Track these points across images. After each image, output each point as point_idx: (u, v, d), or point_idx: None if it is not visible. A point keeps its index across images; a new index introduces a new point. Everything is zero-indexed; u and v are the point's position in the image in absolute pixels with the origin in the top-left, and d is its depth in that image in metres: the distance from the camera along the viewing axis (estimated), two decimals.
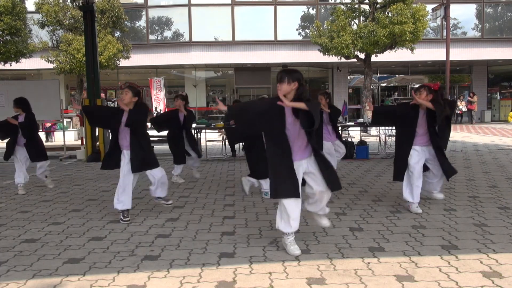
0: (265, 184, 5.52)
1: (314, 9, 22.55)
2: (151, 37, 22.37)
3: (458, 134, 16.19)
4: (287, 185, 3.44)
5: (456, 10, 20.97)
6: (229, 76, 24.74)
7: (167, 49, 21.79)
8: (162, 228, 4.38)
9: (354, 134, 11.25)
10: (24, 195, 6.22)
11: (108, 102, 23.39)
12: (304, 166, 3.57)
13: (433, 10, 17.03)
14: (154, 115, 19.42)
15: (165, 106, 19.77)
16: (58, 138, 16.37)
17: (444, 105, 4.70)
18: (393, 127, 10.20)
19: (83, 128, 10.60)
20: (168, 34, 22.79)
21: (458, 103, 22.82)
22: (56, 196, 6.10)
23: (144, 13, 22.13)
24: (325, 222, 3.87)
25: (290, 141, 3.50)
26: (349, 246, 3.73)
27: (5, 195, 6.29)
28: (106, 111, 5.36)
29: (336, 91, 23.68)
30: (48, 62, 17.47)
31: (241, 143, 10.40)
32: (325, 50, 17.09)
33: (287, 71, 3.51)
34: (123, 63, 18.83)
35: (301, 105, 3.36)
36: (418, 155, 4.83)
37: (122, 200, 4.63)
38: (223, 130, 9.78)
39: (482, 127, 19.64)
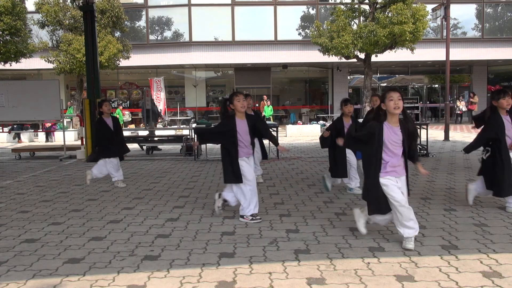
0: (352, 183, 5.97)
1: (314, 9, 22.54)
2: (151, 37, 22.37)
3: (458, 134, 16.20)
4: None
5: (456, 10, 20.96)
6: (229, 76, 24.73)
7: (167, 49, 21.79)
8: (162, 228, 4.37)
9: None
10: (23, 195, 6.21)
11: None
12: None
13: (433, 10, 16.99)
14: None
15: (165, 106, 19.78)
16: (58, 138, 16.38)
17: None
18: None
19: (83, 128, 10.61)
20: (168, 34, 22.79)
21: (458, 103, 22.88)
22: (56, 196, 6.10)
23: (144, 13, 22.13)
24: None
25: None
26: (349, 246, 3.73)
27: (5, 195, 6.29)
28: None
29: (336, 91, 23.70)
30: (48, 62, 17.48)
31: None
32: (325, 50, 17.07)
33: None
34: (123, 63, 18.83)
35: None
36: None
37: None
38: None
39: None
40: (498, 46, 22.15)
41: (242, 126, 4.55)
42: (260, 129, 4.78)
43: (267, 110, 21.33)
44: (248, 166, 4.58)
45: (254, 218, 4.55)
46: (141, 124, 22.44)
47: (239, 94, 4.57)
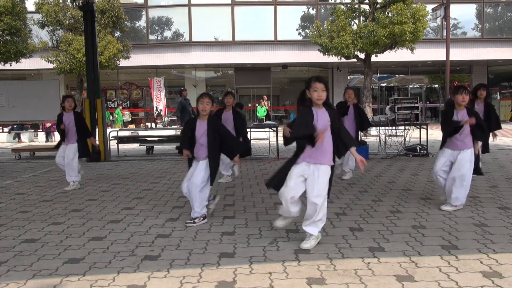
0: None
1: (314, 9, 22.55)
2: (151, 37, 22.37)
3: None
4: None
5: (456, 10, 20.97)
6: (229, 76, 24.74)
7: (167, 49, 21.79)
8: (162, 228, 4.37)
9: None
10: (23, 195, 6.21)
11: (108, 102, 23.48)
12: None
13: (433, 10, 17.05)
14: (155, 115, 19.46)
15: (165, 106, 19.79)
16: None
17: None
18: (393, 127, 10.23)
19: None
20: (168, 34, 22.80)
21: None
22: (56, 196, 6.10)
23: (144, 13, 22.14)
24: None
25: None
26: (349, 246, 3.72)
27: (5, 195, 6.29)
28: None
29: (336, 91, 23.68)
30: (48, 62, 17.48)
31: None
32: (325, 50, 17.09)
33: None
34: (123, 63, 18.83)
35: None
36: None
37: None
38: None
39: None
40: (498, 46, 22.16)
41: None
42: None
43: (260, 111, 21.24)
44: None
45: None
46: (141, 124, 22.47)
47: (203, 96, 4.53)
